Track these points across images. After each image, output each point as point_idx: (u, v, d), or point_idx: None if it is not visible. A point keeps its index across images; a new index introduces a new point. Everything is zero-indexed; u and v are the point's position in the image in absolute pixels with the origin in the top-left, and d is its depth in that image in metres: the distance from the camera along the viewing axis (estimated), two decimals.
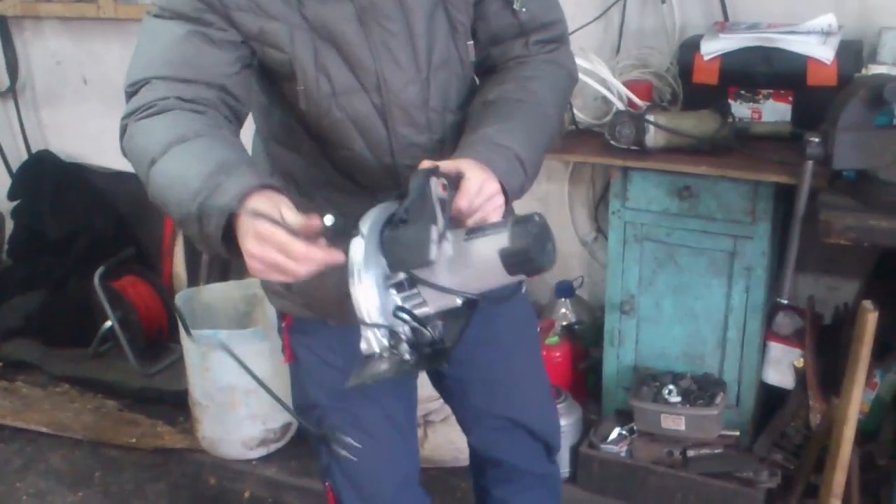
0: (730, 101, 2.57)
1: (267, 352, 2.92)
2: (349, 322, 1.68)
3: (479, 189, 1.39)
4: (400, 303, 1.32)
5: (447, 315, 1.37)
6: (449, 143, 1.63)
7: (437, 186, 1.33)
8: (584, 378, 3.02)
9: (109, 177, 3.89)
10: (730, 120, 2.48)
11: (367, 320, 1.29)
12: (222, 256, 1.34)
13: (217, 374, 2.93)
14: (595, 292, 3.15)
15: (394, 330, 1.30)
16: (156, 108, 1.41)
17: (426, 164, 1.36)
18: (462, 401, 1.98)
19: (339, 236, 1.28)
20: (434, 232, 1.27)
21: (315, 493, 2.85)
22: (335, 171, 1.64)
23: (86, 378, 3.55)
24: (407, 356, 1.31)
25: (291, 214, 1.24)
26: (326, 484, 1.95)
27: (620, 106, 2.59)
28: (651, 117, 2.45)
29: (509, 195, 1.46)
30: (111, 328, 3.54)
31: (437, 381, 1.99)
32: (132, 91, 1.46)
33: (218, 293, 3.25)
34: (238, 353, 2.77)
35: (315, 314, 1.75)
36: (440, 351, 1.34)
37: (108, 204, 3.89)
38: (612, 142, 2.50)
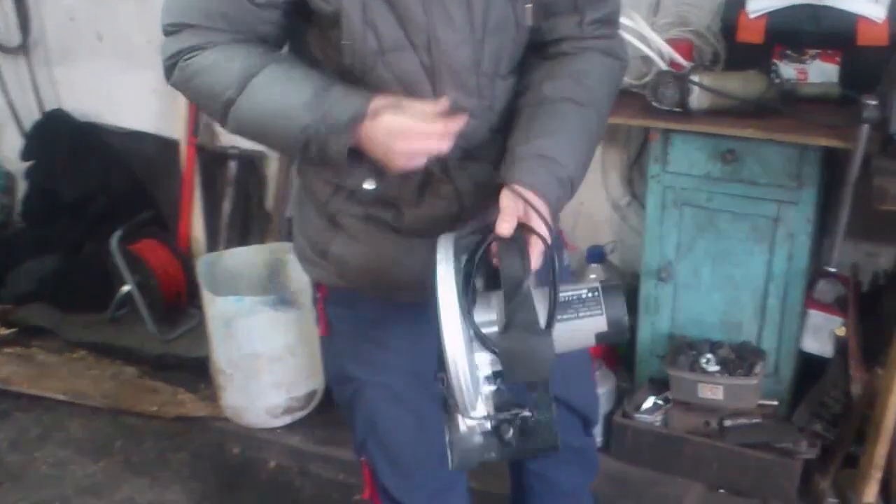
0: (775, 61, 2.48)
1: (293, 318, 2.87)
2: (386, 295, 1.63)
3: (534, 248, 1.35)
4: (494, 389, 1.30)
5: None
6: (497, 110, 1.56)
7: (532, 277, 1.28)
8: (615, 345, 2.96)
9: (125, 136, 3.80)
10: (777, 81, 2.40)
11: (474, 415, 1.27)
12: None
13: (241, 342, 2.87)
14: (627, 258, 3.07)
15: (501, 420, 1.29)
16: (199, 50, 1.44)
17: (501, 231, 1.33)
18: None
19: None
20: (552, 343, 1.22)
21: (341, 461, 2.82)
22: None
23: (103, 344, 3.49)
24: (511, 436, 1.30)
25: (415, 105, 1.39)
26: (362, 459, 1.89)
27: (663, 66, 2.50)
28: (696, 78, 2.37)
29: (552, 218, 1.44)
30: (129, 293, 3.51)
31: None
32: (173, 30, 1.46)
33: (240, 258, 3.18)
34: (264, 319, 2.82)
35: (351, 285, 1.68)
36: (542, 423, 1.33)
37: (125, 165, 3.81)
38: (654, 103, 2.42)
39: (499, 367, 1.28)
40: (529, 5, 1.50)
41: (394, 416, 1.79)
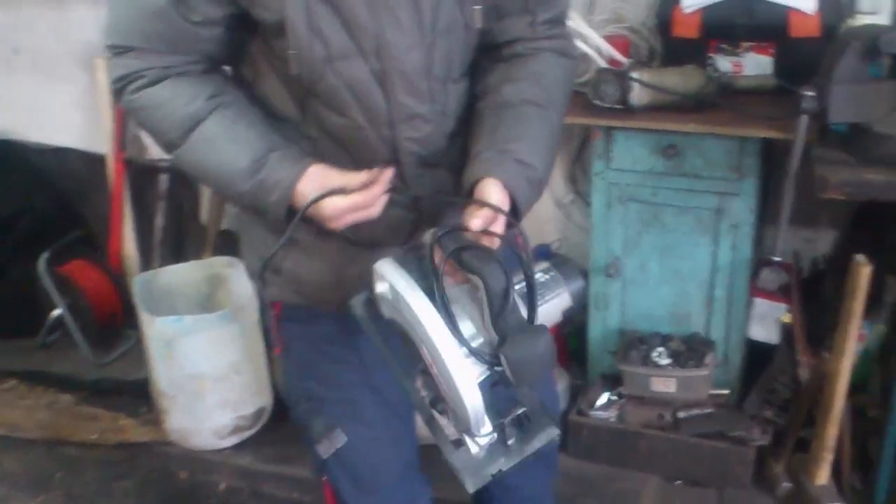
0: (711, 54, 2.51)
1: (236, 335, 2.80)
2: (342, 309, 1.61)
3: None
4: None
5: None
6: (450, 115, 1.54)
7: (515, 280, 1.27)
8: (566, 343, 2.96)
9: (48, 153, 3.64)
10: (714, 75, 2.42)
11: (484, 431, 1.27)
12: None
13: (183, 363, 2.78)
14: (572, 255, 3.07)
15: (503, 426, 1.29)
16: (147, 79, 1.44)
17: (493, 243, 1.32)
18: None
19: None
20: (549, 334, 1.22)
21: (294, 479, 2.77)
22: (330, 142, 1.52)
23: (35, 371, 3.37)
24: (514, 444, 1.32)
25: (343, 180, 1.40)
26: (323, 479, 1.85)
27: (602, 63, 2.51)
28: (635, 74, 2.38)
29: (521, 217, 1.44)
30: (60, 317, 3.38)
31: None
32: (115, 52, 1.46)
33: (177, 275, 3.09)
34: (206, 338, 2.74)
35: (307, 301, 1.64)
36: (546, 420, 1.34)
37: (49, 183, 3.66)
38: (595, 101, 2.42)
39: (482, 378, 1.26)
40: (478, 7, 1.49)
41: (355, 433, 1.75)
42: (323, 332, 1.68)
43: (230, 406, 2.88)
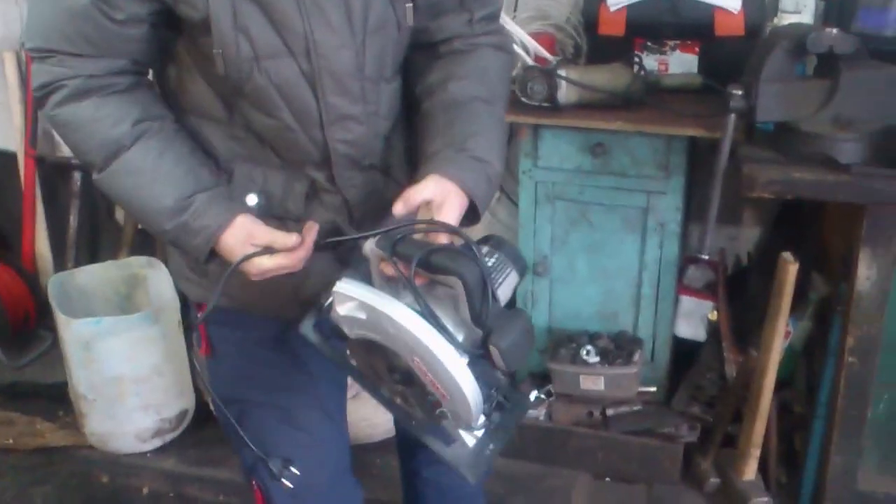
0: (637, 52, 2.51)
1: (157, 337, 2.73)
2: (276, 313, 1.56)
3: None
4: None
5: None
6: (383, 115, 1.51)
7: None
8: None
9: None
10: (641, 73, 2.42)
11: (479, 423, 1.29)
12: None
13: (102, 365, 2.70)
14: None
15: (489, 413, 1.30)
16: (69, 90, 1.37)
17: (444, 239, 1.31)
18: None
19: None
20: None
21: (219, 482, 2.71)
22: (258, 143, 1.48)
23: None
24: (498, 423, 1.33)
25: (269, 238, 1.37)
26: (253, 482, 1.81)
27: (529, 61, 2.49)
28: (563, 72, 2.36)
29: (481, 213, 1.43)
30: None
31: None
32: (37, 56, 1.39)
33: (94, 275, 2.99)
34: (126, 340, 2.66)
35: (236, 305, 1.59)
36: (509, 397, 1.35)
37: None
38: (523, 99, 2.40)
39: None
40: (410, 5, 1.46)
41: (287, 436, 1.73)
42: (254, 336, 1.64)
43: (152, 409, 2.80)
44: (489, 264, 1.30)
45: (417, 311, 1.22)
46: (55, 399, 3.03)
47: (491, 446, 1.34)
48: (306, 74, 1.39)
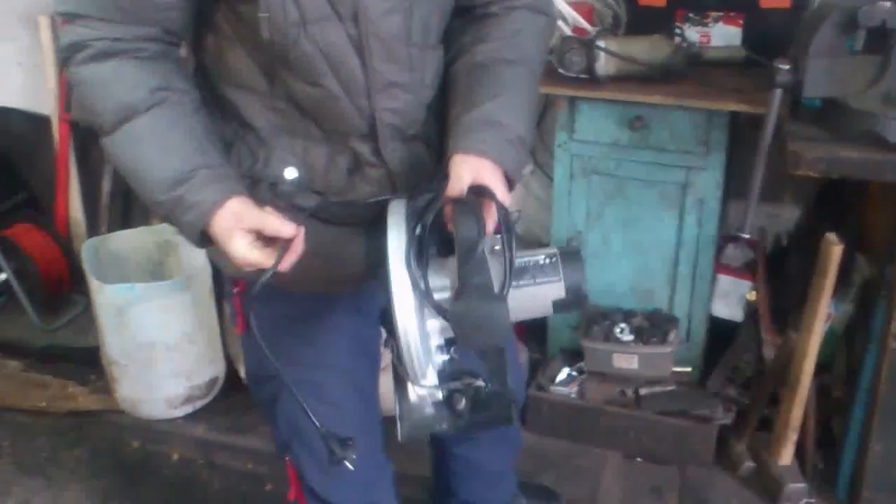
0: (678, 24, 2.44)
1: (188, 304, 2.72)
2: (313, 288, 1.53)
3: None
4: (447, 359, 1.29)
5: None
6: (428, 84, 1.48)
7: (490, 241, 1.26)
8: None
9: None
10: (683, 45, 2.36)
11: (424, 383, 1.25)
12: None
13: (135, 331, 2.70)
14: (531, 228, 3.02)
15: (453, 390, 1.27)
16: (93, 50, 1.33)
17: (453, 192, 1.30)
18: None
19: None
20: (507, 308, 1.19)
21: (248, 450, 2.72)
22: (299, 115, 1.45)
23: None
24: (462, 407, 1.28)
25: (259, 221, 1.31)
26: (287, 458, 1.82)
27: (567, 31, 2.43)
28: (602, 43, 2.30)
29: (515, 181, 1.39)
30: (5, 281, 3.26)
31: None
32: (66, 18, 1.35)
33: (127, 241, 2.98)
34: (158, 306, 2.66)
35: (273, 280, 1.56)
36: (496, 395, 1.30)
37: None
38: (560, 70, 2.34)
39: (451, 335, 1.26)
40: None
41: (320, 413, 1.71)
42: (289, 311, 1.62)
43: (183, 375, 2.80)
44: (539, 262, 1.27)
45: (405, 249, 1.21)
46: (87, 363, 3.05)
47: (445, 426, 1.30)
48: (353, 40, 1.36)
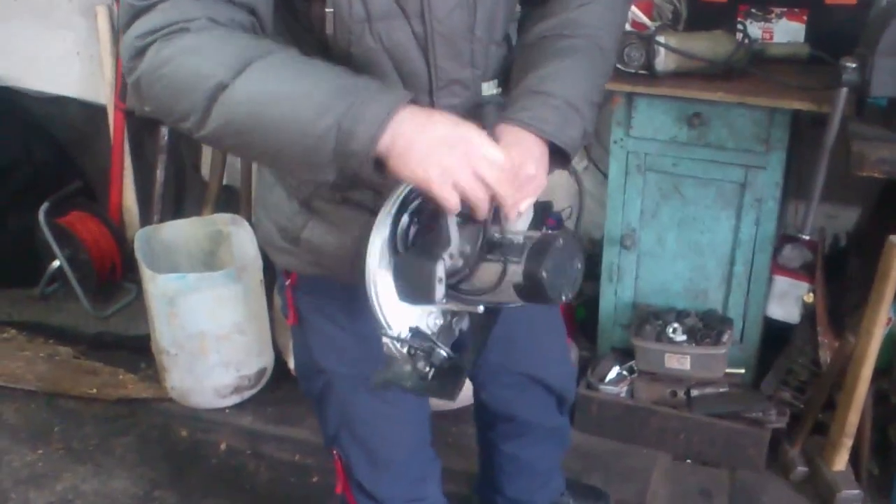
0: (741, 20, 2.40)
1: (239, 295, 2.73)
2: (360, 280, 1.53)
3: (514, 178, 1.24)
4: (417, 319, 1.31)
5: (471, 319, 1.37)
6: (488, 79, 1.46)
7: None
8: (573, 314, 2.89)
9: (47, 102, 3.56)
10: (745, 41, 2.31)
11: (390, 332, 1.27)
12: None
13: (186, 321, 2.71)
14: (583, 224, 2.98)
15: (415, 346, 1.28)
16: (188, 27, 1.17)
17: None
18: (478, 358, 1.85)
19: None
20: (440, 269, 1.23)
21: (296, 441, 2.73)
22: None
23: (34, 322, 3.32)
24: (427, 370, 1.29)
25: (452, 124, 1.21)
26: (334, 452, 1.82)
27: (626, 26, 2.39)
28: (662, 38, 2.27)
29: (568, 150, 1.33)
30: (59, 268, 3.31)
31: None
32: (145, 8, 1.19)
33: (179, 231, 3.01)
34: (209, 296, 2.68)
35: (326, 272, 1.56)
36: (456, 368, 1.31)
37: (48, 132, 3.57)
38: (618, 65, 2.31)
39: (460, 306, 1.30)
40: None
41: (370, 408, 1.72)
42: (339, 304, 1.62)
43: (232, 365, 2.82)
44: (513, 239, 1.24)
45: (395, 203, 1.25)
46: (138, 351, 3.08)
47: (406, 384, 1.31)
48: (418, 37, 1.34)
